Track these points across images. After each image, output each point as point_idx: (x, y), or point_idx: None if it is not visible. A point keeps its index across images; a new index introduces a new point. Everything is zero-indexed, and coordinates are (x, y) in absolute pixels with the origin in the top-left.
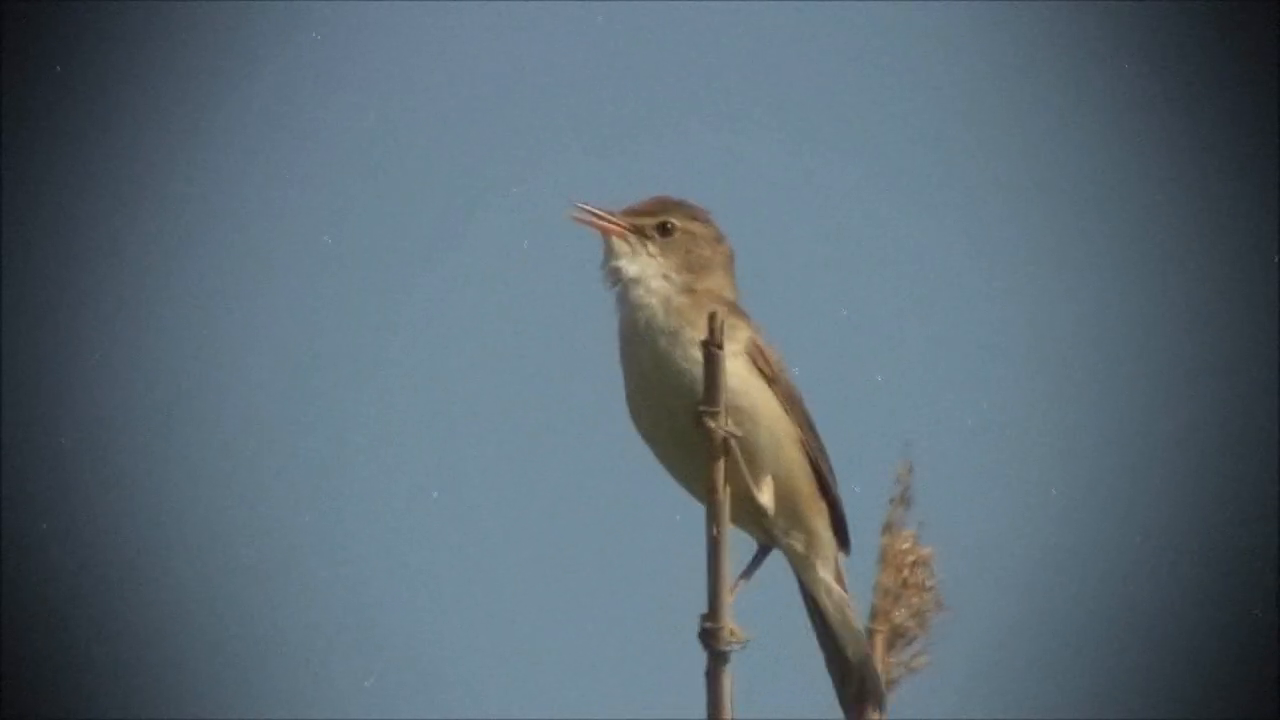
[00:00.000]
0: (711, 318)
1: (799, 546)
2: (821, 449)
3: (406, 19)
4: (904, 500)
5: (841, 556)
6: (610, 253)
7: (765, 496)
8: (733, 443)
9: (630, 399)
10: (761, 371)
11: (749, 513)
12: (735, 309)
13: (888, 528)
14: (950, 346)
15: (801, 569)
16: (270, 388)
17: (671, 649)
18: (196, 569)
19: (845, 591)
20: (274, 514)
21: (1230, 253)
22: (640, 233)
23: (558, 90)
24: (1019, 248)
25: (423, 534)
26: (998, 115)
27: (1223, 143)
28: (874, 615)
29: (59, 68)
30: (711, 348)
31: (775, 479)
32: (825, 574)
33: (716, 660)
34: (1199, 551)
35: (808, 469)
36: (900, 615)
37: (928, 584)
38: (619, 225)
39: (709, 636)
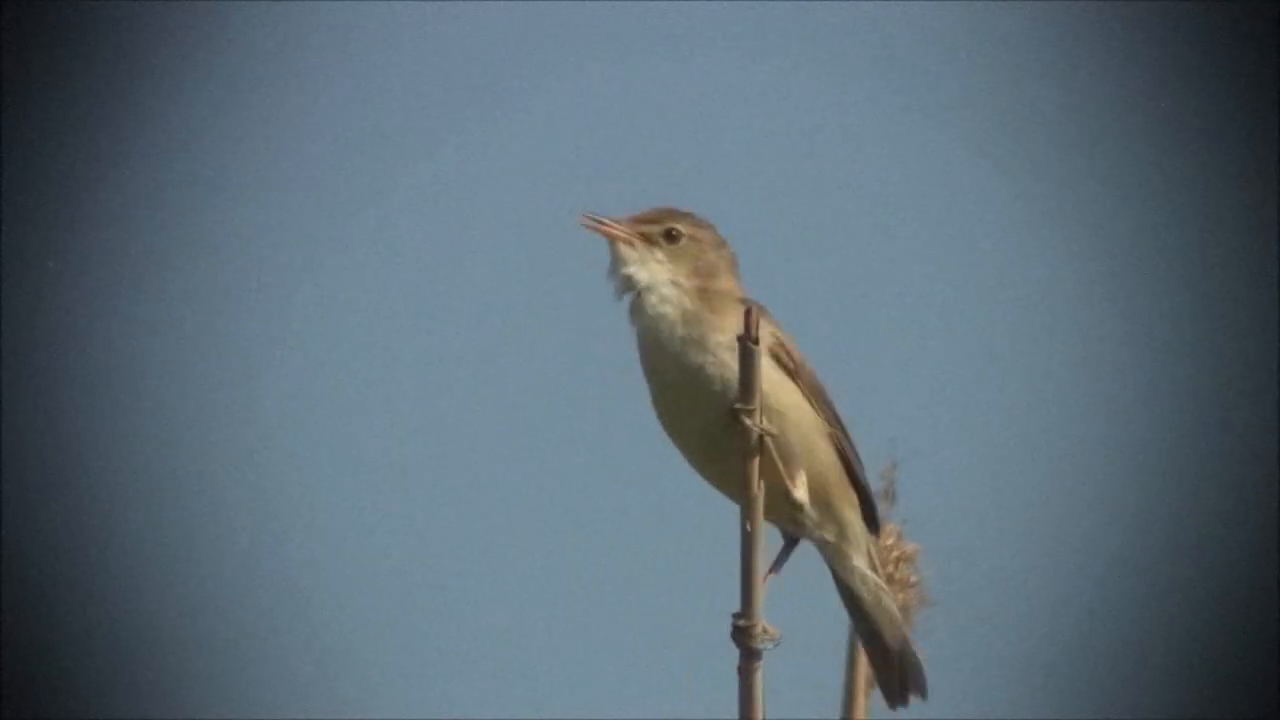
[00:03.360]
0: (747, 314)
1: (831, 537)
2: (848, 437)
3: (391, 16)
4: (888, 496)
5: (873, 541)
6: (618, 260)
7: (800, 492)
8: (768, 440)
9: (656, 406)
10: (784, 366)
11: (782, 508)
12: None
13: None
14: (935, 343)
15: (834, 559)
16: (274, 389)
17: (702, 646)
18: (194, 569)
19: (880, 577)
20: (274, 513)
21: (1219, 244)
22: (647, 240)
23: (564, 95)
24: (1005, 244)
25: (456, 534)
26: (988, 112)
27: (1222, 142)
28: None
29: (59, 68)
30: (748, 343)
31: (808, 473)
32: (859, 562)
33: (749, 658)
34: (1186, 548)
35: (836, 460)
36: None
37: (912, 580)
38: (625, 232)
39: (742, 634)
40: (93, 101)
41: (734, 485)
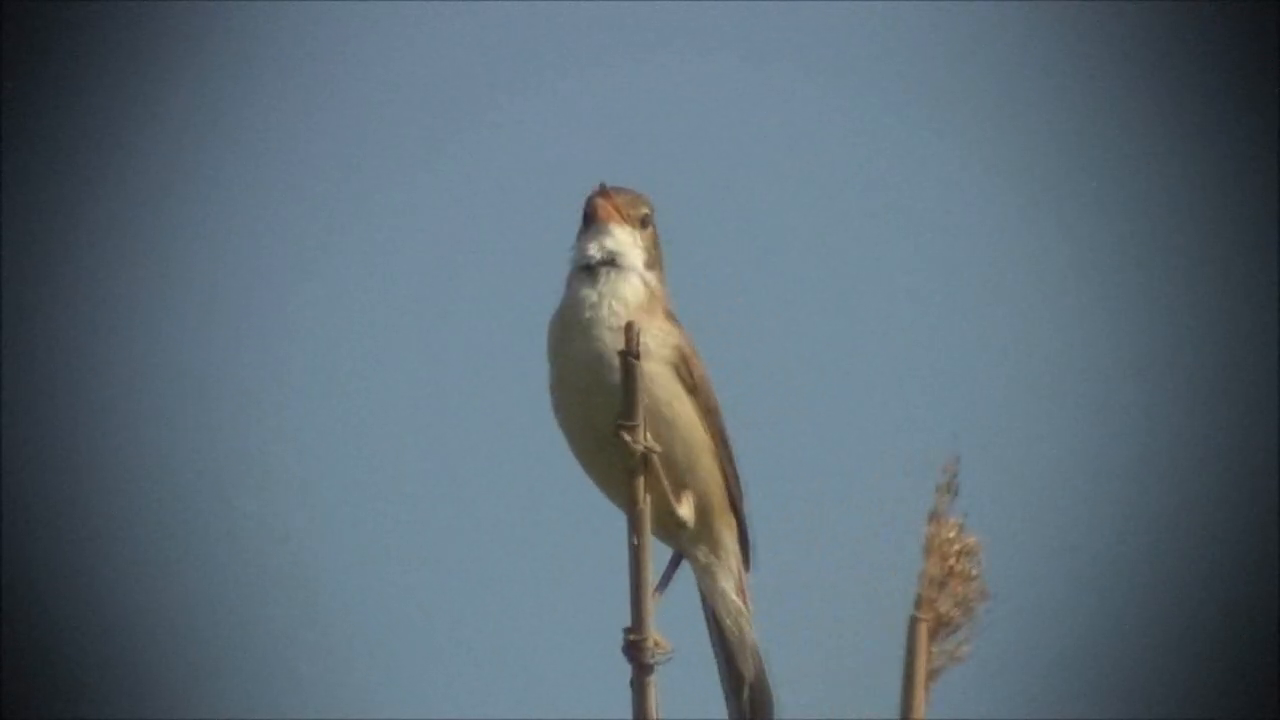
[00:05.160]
0: (628, 328)
1: (702, 557)
2: (732, 462)
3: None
4: (949, 489)
5: (745, 574)
6: (605, 232)
7: (685, 510)
8: (653, 456)
9: (554, 389)
10: (683, 379)
11: (667, 523)
12: (668, 313)
13: (933, 516)
14: (998, 339)
15: (703, 578)
16: (260, 388)
17: (594, 660)
18: (194, 569)
19: (746, 606)
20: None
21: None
22: (631, 221)
23: (558, 94)
24: (1071, 243)
25: (345, 540)
26: (1015, 113)
27: (1222, 142)
28: (919, 604)
29: (59, 68)
30: (629, 359)
31: (691, 490)
32: (726, 585)
33: (642, 672)
34: (1247, 547)
35: (720, 481)
36: (945, 604)
37: (973, 573)
38: (624, 211)
39: (633, 649)
40: (93, 101)
41: (620, 492)
